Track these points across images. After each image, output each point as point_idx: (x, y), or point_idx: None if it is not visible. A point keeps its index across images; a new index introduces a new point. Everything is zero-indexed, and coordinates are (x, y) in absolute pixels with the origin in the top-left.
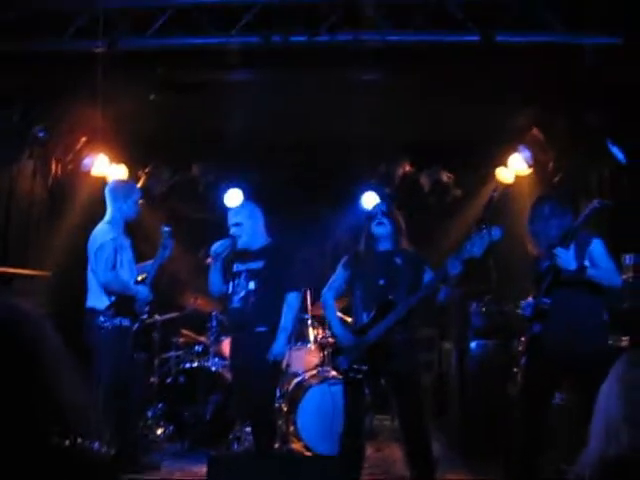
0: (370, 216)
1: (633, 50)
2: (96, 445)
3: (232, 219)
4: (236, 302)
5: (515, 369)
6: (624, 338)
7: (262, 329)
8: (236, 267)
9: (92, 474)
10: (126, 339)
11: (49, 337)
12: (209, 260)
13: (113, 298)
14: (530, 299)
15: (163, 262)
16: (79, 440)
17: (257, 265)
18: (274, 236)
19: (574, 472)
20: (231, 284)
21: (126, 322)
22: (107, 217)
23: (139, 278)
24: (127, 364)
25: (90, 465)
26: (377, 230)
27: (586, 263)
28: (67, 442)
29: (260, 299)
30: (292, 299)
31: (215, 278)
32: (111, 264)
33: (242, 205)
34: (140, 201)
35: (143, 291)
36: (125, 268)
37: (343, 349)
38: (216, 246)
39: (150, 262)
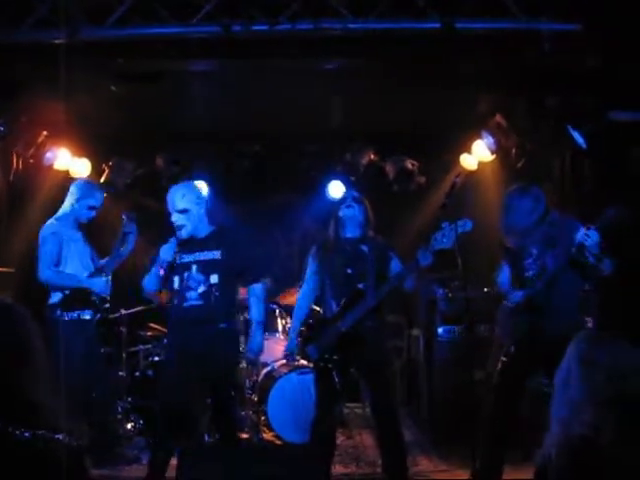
0: (339, 202)
1: (591, 36)
2: (60, 436)
3: (176, 204)
4: (194, 299)
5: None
6: (587, 319)
7: (227, 324)
8: (181, 258)
9: (55, 464)
10: (85, 332)
11: (30, 333)
12: (161, 271)
13: (67, 292)
14: (516, 291)
15: (127, 253)
16: (40, 432)
17: (212, 255)
18: (221, 223)
19: (540, 454)
20: (177, 278)
21: (86, 315)
22: (59, 212)
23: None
24: (89, 357)
25: (53, 455)
26: (346, 212)
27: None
28: (28, 434)
29: (223, 294)
30: (258, 290)
31: (152, 277)
32: (51, 260)
33: (186, 187)
34: (96, 207)
35: (97, 284)
36: (75, 261)
37: (313, 338)
38: (165, 254)
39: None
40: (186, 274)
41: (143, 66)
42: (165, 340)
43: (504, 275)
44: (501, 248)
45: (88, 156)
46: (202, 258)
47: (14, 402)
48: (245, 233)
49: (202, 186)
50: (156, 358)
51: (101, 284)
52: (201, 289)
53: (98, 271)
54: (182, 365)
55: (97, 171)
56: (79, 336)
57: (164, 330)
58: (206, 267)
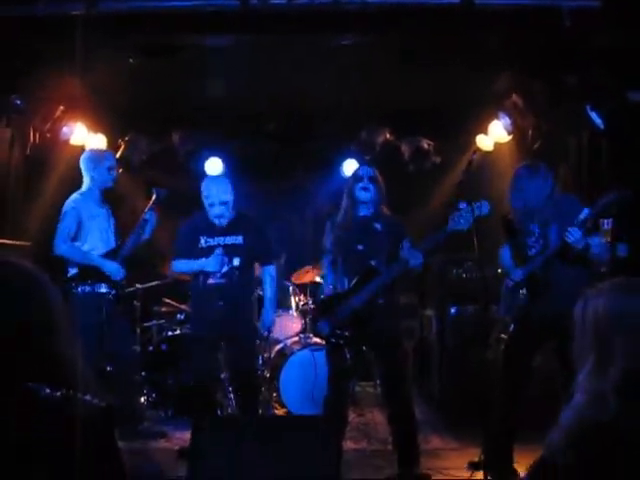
0: (355, 179)
1: (611, 13)
2: (88, 397)
3: (222, 196)
4: (218, 278)
5: (498, 335)
6: None
7: (246, 302)
8: (205, 241)
9: (84, 425)
10: (101, 305)
11: (53, 294)
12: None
13: (83, 266)
14: (517, 269)
15: (143, 240)
16: (71, 392)
17: (235, 240)
18: (250, 205)
19: (548, 444)
20: (203, 260)
21: (101, 288)
22: (82, 187)
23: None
24: (106, 330)
25: (83, 416)
26: (361, 195)
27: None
28: (59, 394)
29: (243, 274)
30: (272, 271)
31: (180, 264)
32: (67, 235)
33: (226, 180)
34: (119, 169)
35: (109, 267)
36: (94, 237)
37: (325, 314)
38: (216, 267)
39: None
40: (212, 256)
41: (160, 39)
42: (180, 315)
43: (506, 253)
44: (504, 226)
45: (104, 131)
46: (226, 242)
47: (43, 363)
48: (262, 218)
49: (217, 163)
50: (169, 333)
51: (113, 268)
52: (225, 269)
53: (114, 252)
54: (208, 337)
55: (113, 146)
56: (95, 309)
57: (178, 305)
58: (229, 250)
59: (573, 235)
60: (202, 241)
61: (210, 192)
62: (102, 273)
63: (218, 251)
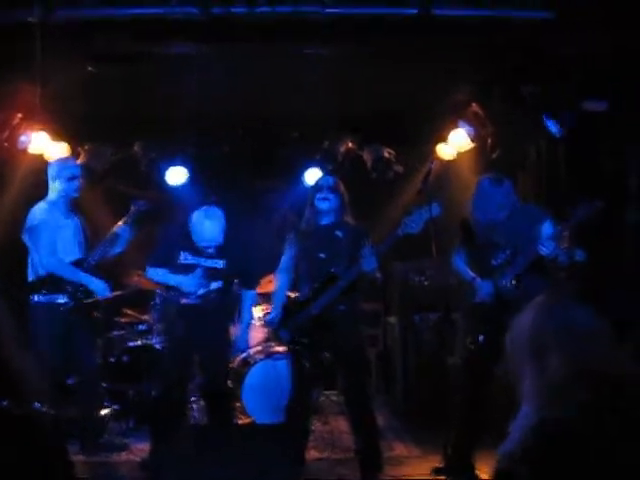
0: (316, 188)
1: (565, 24)
2: (36, 405)
3: (217, 236)
4: (193, 298)
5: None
6: None
7: (220, 326)
8: (186, 258)
9: (33, 433)
10: (60, 316)
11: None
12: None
13: (41, 275)
14: (485, 282)
15: (114, 254)
16: (19, 401)
17: (217, 264)
18: (228, 234)
19: (502, 456)
20: (180, 277)
21: (59, 299)
22: (48, 196)
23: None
24: (66, 342)
25: (31, 424)
26: (321, 205)
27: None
28: (5, 403)
29: (221, 297)
30: (252, 297)
31: (156, 274)
32: (50, 249)
33: (220, 218)
34: (76, 177)
35: (97, 285)
36: (59, 247)
37: (286, 323)
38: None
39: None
40: (190, 275)
41: (120, 47)
42: (140, 326)
43: (460, 258)
44: (462, 229)
45: (64, 140)
46: (208, 265)
47: None
48: (244, 243)
49: (180, 172)
50: (131, 344)
51: (100, 286)
52: (201, 291)
53: (79, 264)
54: (179, 354)
55: (74, 155)
56: (53, 319)
57: (139, 316)
58: (209, 273)
59: (547, 248)
60: (182, 257)
61: (205, 235)
62: (60, 283)
63: (197, 272)
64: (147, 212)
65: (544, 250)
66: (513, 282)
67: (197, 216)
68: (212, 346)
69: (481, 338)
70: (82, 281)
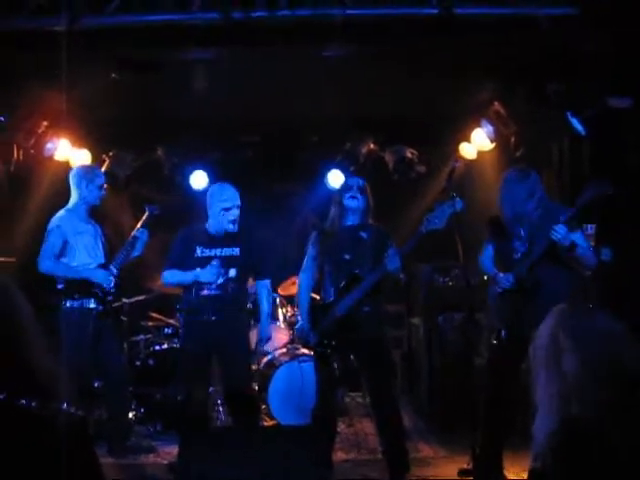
0: (345, 188)
1: (589, 21)
2: (64, 406)
3: (237, 200)
4: (213, 289)
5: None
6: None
7: (241, 314)
8: (201, 252)
9: (61, 434)
10: (90, 320)
11: (20, 305)
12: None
13: (70, 281)
14: (507, 274)
15: (134, 257)
16: (48, 402)
17: (232, 252)
18: (244, 224)
19: (535, 453)
20: (198, 270)
21: (90, 303)
22: (69, 203)
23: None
24: (95, 346)
25: (59, 425)
26: (350, 203)
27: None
28: (34, 404)
29: (238, 286)
30: (269, 285)
31: (172, 275)
32: (51, 252)
33: (235, 187)
34: (104, 186)
35: (98, 275)
36: (82, 253)
37: (311, 325)
38: (212, 277)
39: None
40: (207, 267)
41: (144, 54)
42: (167, 329)
43: (487, 255)
44: (490, 226)
45: (88, 147)
46: (223, 254)
47: (16, 372)
48: (259, 231)
49: (202, 176)
50: (157, 347)
51: (102, 276)
52: (221, 281)
53: (103, 267)
54: (199, 351)
55: (97, 162)
56: (84, 324)
57: (165, 319)
58: (226, 262)
59: (559, 232)
60: (198, 251)
61: (228, 196)
62: (90, 288)
63: (215, 262)
64: (169, 216)
65: (556, 235)
66: (528, 271)
67: (215, 189)
68: (231, 339)
69: (503, 333)
70: (83, 275)
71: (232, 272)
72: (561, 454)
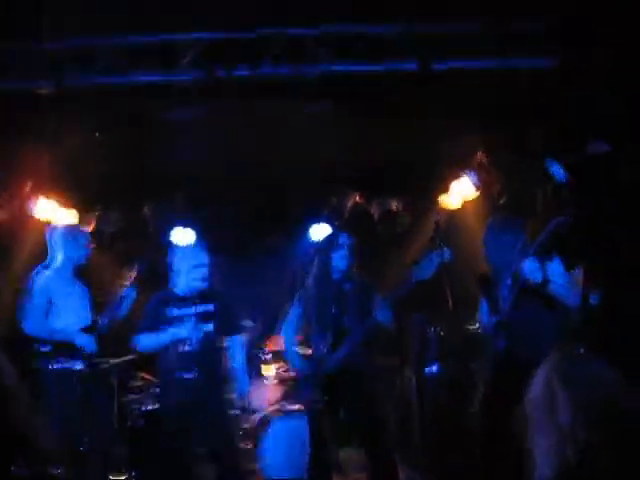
0: (335, 246)
1: (567, 72)
2: (56, 470)
3: (203, 258)
4: (191, 345)
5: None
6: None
7: (219, 370)
8: (176, 311)
9: None
10: (77, 382)
11: (6, 369)
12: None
13: (56, 343)
14: (489, 317)
15: (121, 316)
16: (40, 466)
17: (206, 308)
18: (223, 275)
19: None
20: (171, 330)
21: (76, 365)
22: (54, 263)
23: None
24: (82, 407)
25: None
26: (340, 264)
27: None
28: (28, 471)
29: (213, 342)
30: (241, 340)
31: (147, 338)
32: (38, 314)
33: (198, 246)
34: (91, 245)
35: (83, 340)
36: (68, 315)
37: (303, 381)
38: (190, 332)
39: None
40: (181, 326)
41: (129, 114)
42: (156, 389)
43: (483, 310)
44: (480, 282)
45: (74, 206)
46: (197, 310)
47: (6, 439)
48: (231, 287)
49: (188, 233)
50: (147, 408)
51: (86, 340)
52: (198, 336)
53: (90, 329)
54: (180, 412)
55: (84, 221)
56: (70, 385)
57: (154, 379)
58: (202, 317)
59: (528, 267)
60: (173, 311)
61: (197, 253)
62: (76, 350)
63: (190, 319)
64: (156, 274)
65: (525, 271)
66: (510, 316)
67: (180, 250)
68: (210, 395)
69: (490, 377)
70: (67, 339)
71: (209, 327)
72: None
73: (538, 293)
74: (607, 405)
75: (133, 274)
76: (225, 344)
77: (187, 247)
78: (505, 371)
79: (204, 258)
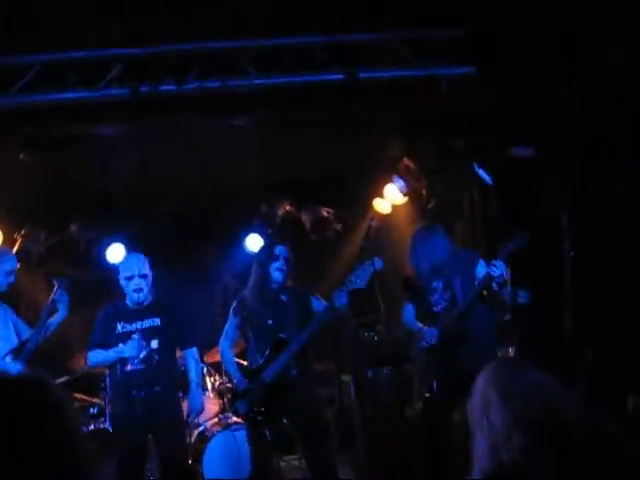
0: (271, 257)
1: (487, 78)
2: None
3: (140, 268)
4: (136, 363)
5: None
6: (510, 349)
7: (168, 389)
8: (122, 327)
9: None
10: None
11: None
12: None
13: None
14: (431, 329)
15: (58, 323)
16: None
17: (153, 322)
18: (160, 288)
19: None
20: (120, 346)
21: None
22: None
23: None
24: None
25: None
26: (276, 275)
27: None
28: None
29: (162, 357)
30: (195, 354)
31: (96, 355)
32: None
33: (142, 257)
34: (13, 271)
35: (7, 366)
36: None
37: (241, 393)
38: (134, 351)
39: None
40: (129, 342)
41: (52, 132)
42: (92, 410)
43: (408, 313)
44: (405, 285)
45: None
46: (144, 326)
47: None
48: (182, 299)
49: (119, 249)
50: (83, 429)
51: (14, 369)
52: (142, 354)
53: (17, 350)
54: (129, 429)
55: (9, 241)
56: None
57: (90, 399)
58: (147, 333)
59: (498, 268)
60: (119, 327)
61: (129, 264)
62: None
63: (136, 335)
64: (87, 292)
65: (495, 271)
66: (457, 320)
67: (122, 259)
68: (164, 417)
69: (435, 385)
70: None
71: (154, 343)
72: None
73: (482, 300)
74: (546, 414)
75: (54, 290)
76: (178, 358)
77: (122, 262)
78: (448, 378)
79: (136, 269)
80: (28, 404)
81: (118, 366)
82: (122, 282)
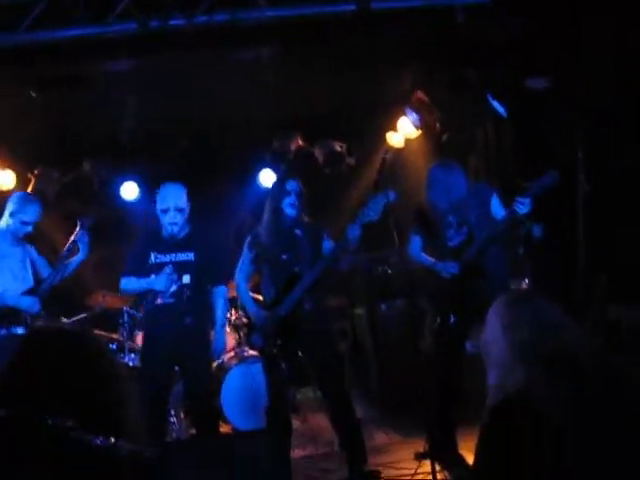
0: (283, 192)
1: (502, 8)
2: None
3: (178, 202)
4: (167, 297)
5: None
6: (524, 283)
7: (197, 322)
8: (155, 257)
9: (131, 471)
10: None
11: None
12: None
13: None
14: (449, 263)
15: (78, 263)
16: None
17: (186, 257)
18: (195, 228)
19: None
20: (151, 277)
21: (18, 330)
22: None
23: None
24: None
25: (129, 463)
26: (289, 211)
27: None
28: (110, 442)
29: (194, 293)
30: (224, 293)
31: (129, 282)
32: None
33: (182, 187)
34: (36, 220)
35: (24, 302)
36: (6, 277)
37: (257, 327)
38: (165, 285)
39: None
40: (160, 274)
41: (61, 70)
42: (111, 345)
43: (415, 246)
44: (416, 218)
45: (12, 167)
46: (177, 259)
47: (102, 419)
48: (216, 235)
49: (133, 187)
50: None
51: (27, 303)
52: (173, 288)
53: (32, 290)
54: (155, 364)
55: (23, 181)
56: (12, 351)
57: (109, 335)
58: (179, 268)
59: (525, 205)
60: (152, 257)
61: (165, 197)
62: (17, 315)
63: (167, 269)
64: (102, 230)
65: (521, 208)
66: (477, 255)
67: (160, 189)
68: (192, 349)
69: (452, 318)
70: (8, 304)
71: (186, 278)
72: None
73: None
74: (544, 347)
75: (77, 229)
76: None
77: (158, 192)
78: (463, 310)
79: (172, 202)
80: (67, 351)
81: (149, 297)
82: (158, 213)
